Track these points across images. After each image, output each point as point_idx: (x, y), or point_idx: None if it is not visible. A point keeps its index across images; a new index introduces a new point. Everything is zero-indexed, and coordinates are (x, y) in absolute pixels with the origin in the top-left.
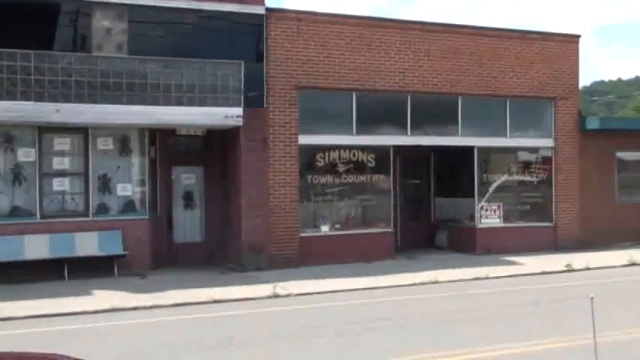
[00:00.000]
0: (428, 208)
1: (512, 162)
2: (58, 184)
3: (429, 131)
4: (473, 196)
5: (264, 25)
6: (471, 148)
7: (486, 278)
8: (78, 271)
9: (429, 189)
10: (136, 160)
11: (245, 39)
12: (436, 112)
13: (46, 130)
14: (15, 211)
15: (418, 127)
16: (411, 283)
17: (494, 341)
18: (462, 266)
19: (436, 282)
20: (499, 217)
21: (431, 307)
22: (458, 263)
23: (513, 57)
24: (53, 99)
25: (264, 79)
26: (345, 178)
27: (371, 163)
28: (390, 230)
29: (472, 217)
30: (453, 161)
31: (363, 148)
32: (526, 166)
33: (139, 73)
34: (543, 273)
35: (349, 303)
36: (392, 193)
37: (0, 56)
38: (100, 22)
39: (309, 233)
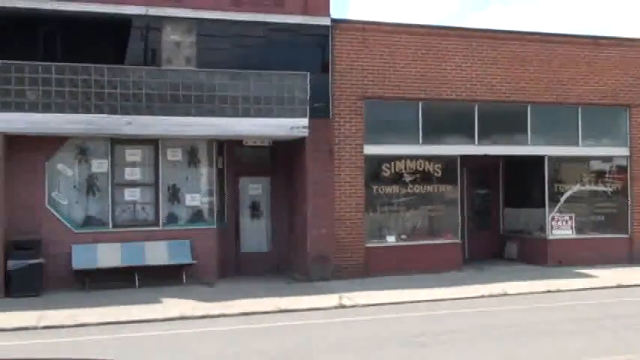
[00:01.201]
0: (496, 219)
1: (585, 171)
2: (130, 195)
3: (498, 140)
4: (543, 207)
5: (330, 36)
6: (541, 158)
7: (558, 291)
8: (148, 279)
9: (497, 199)
10: (204, 170)
11: (310, 50)
12: (505, 120)
13: (118, 142)
14: (89, 221)
15: (486, 136)
16: (480, 295)
17: (569, 356)
18: (532, 278)
19: (506, 294)
20: (571, 228)
21: (500, 319)
22: (528, 275)
23: (585, 63)
24: (125, 111)
25: (330, 89)
26: (411, 189)
27: (437, 173)
28: (457, 241)
29: (543, 228)
30: (523, 171)
31: (430, 158)
32: (599, 175)
33: (207, 85)
34: (619, 286)
35: (415, 314)
36: (459, 203)
37: (75, 70)
38: (170, 36)
39: (374, 244)
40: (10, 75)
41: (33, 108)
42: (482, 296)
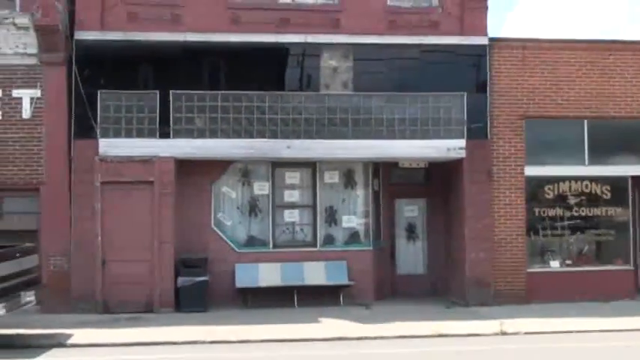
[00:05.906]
0: None
1: None
2: (289, 216)
3: None
4: None
5: (487, 55)
6: None
7: None
8: (306, 299)
9: None
10: (360, 192)
11: (467, 70)
12: None
13: (278, 165)
14: (251, 241)
15: None
16: None
17: None
18: None
19: None
20: None
21: None
22: None
23: None
24: (285, 136)
25: (487, 109)
26: (576, 211)
27: (606, 195)
28: (629, 268)
29: None
30: None
31: (597, 179)
32: None
33: (363, 108)
34: None
35: (584, 345)
36: (631, 227)
37: (239, 98)
38: (327, 61)
39: (536, 269)
40: (181, 104)
41: (201, 134)
42: None
